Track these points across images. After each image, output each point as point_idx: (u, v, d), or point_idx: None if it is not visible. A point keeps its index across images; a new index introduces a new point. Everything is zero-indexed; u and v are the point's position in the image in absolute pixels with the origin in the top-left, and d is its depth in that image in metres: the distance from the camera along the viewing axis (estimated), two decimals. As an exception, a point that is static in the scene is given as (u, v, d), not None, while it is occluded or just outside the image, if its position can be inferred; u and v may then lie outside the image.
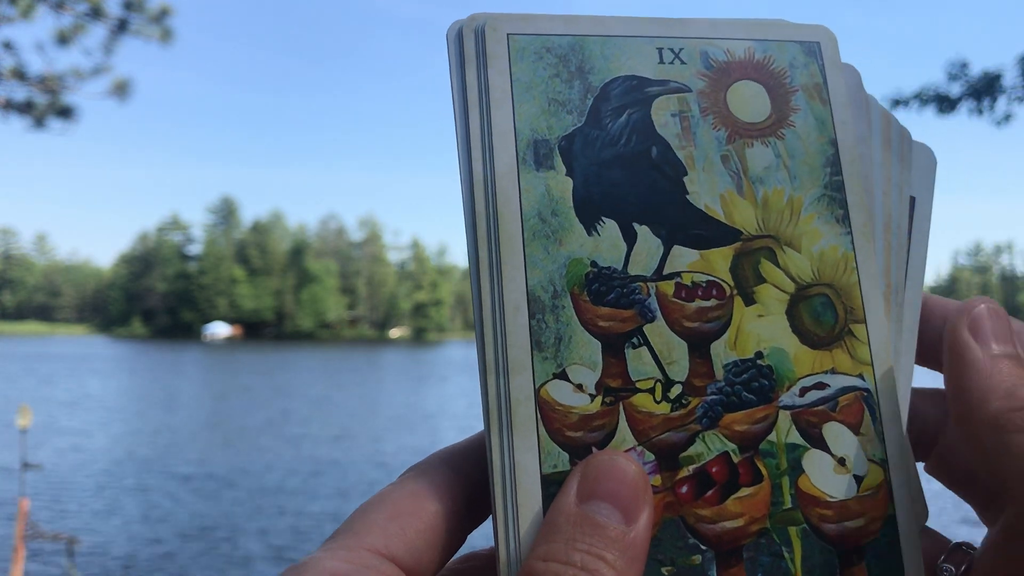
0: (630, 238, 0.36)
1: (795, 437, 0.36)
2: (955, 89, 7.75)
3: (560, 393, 0.34)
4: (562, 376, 0.34)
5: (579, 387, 0.34)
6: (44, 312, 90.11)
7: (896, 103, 7.91)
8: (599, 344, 0.35)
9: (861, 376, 0.37)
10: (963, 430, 0.35)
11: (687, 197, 0.37)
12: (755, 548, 0.34)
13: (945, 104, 7.77)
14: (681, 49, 0.39)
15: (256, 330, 75.74)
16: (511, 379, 0.34)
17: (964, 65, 7.70)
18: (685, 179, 0.38)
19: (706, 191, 0.37)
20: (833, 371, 0.37)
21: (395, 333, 79.15)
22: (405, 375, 29.98)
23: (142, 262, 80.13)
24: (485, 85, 0.37)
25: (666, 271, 0.36)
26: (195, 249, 79.88)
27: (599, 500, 0.31)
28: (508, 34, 0.38)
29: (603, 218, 0.36)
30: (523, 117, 0.37)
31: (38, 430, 12.20)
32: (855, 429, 0.36)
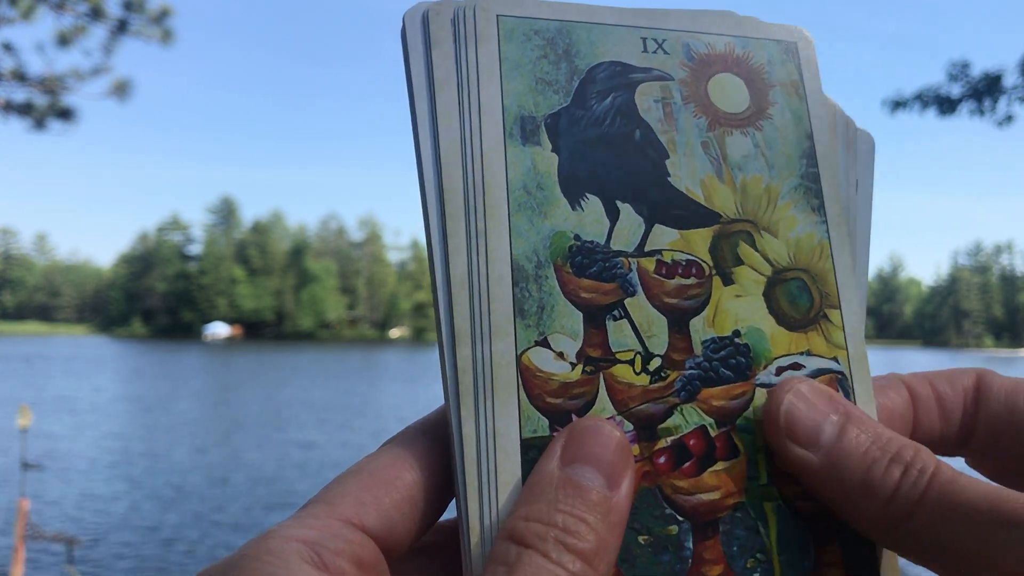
0: (613, 215, 0.37)
1: None
2: (956, 90, 7.72)
3: (541, 360, 0.34)
4: (544, 344, 0.35)
5: (560, 355, 0.35)
6: (44, 312, 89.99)
7: (897, 105, 7.89)
8: (581, 315, 0.35)
9: (836, 359, 0.37)
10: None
11: (669, 179, 0.38)
12: (731, 521, 0.35)
13: (946, 105, 7.75)
14: (664, 40, 0.40)
15: (256, 330, 75.64)
16: (493, 344, 0.34)
17: (965, 66, 7.67)
18: (667, 162, 0.38)
19: (687, 174, 0.38)
20: (808, 353, 0.37)
21: (395, 333, 79.03)
22: (405, 376, 29.95)
23: (142, 262, 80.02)
24: (474, 62, 0.37)
25: (647, 248, 0.37)
26: (195, 249, 79.89)
27: (583, 464, 0.31)
28: (498, 15, 0.38)
29: (587, 194, 0.37)
30: (510, 93, 0.37)
31: (37, 430, 12.19)
32: None
